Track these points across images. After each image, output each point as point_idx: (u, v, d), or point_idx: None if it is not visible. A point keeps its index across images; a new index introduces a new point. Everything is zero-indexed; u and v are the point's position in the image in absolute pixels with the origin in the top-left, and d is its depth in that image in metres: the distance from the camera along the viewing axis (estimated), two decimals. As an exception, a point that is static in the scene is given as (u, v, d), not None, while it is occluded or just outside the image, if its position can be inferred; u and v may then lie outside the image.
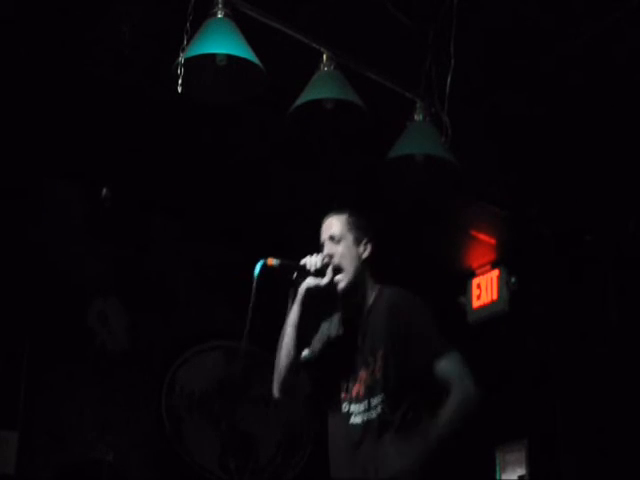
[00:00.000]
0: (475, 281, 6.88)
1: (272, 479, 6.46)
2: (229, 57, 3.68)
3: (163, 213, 6.09)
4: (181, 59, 3.64)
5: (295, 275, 2.96)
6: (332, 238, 3.04)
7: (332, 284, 2.97)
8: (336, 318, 3.12)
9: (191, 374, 6.31)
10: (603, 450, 5.70)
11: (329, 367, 3.02)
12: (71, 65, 4.57)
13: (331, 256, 3.00)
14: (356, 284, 3.01)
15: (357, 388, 2.94)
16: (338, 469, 2.93)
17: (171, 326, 6.18)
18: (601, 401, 5.78)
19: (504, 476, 6.44)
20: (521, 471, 6.33)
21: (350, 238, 3.05)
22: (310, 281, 2.96)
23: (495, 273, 6.73)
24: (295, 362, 2.98)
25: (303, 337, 3.01)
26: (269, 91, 3.81)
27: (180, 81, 3.63)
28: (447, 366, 2.88)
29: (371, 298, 3.03)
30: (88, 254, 5.86)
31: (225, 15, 3.73)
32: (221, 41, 3.66)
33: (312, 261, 2.96)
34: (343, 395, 2.96)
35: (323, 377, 3.04)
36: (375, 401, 2.87)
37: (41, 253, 5.57)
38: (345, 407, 2.94)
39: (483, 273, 6.83)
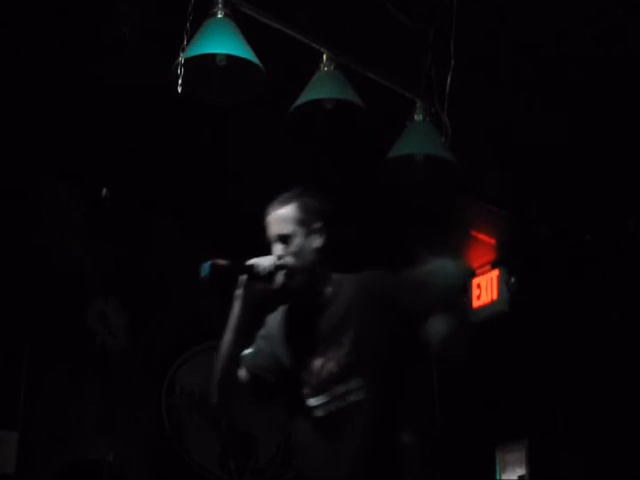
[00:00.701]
0: (475, 281, 6.88)
1: (272, 479, 6.46)
2: (229, 57, 3.68)
3: (163, 213, 6.09)
4: (181, 59, 3.64)
5: (245, 277, 2.70)
6: (281, 238, 2.77)
7: (284, 288, 2.73)
8: (280, 313, 2.87)
9: (191, 374, 6.31)
10: (603, 450, 5.70)
11: (284, 367, 2.78)
12: (71, 65, 4.57)
13: (281, 257, 2.73)
14: (311, 280, 2.76)
15: (322, 379, 2.70)
16: (316, 470, 2.71)
17: (171, 326, 6.18)
18: (601, 401, 5.78)
19: (504, 476, 6.44)
20: (521, 471, 6.33)
21: (301, 232, 2.77)
22: (259, 286, 2.70)
23: (495, 273, 6.73)
24: (233, 368, 2.75)
25: (247, 343, 2.79)
26: (269, 91, 3.81)
27: (180, 81, 3.63)
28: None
29: (329, 288, 2.79)
30: (88, 254, 5.85)
31: (225, 15, 3.73)
32: (221, 41, 3.66)
33: (262, 264, 2.70)
34: (306, 391, 2.73)
35: (278, 378, 2.80)
36: (349, 386, 2.67)
37: (41, 253, 5.57)
38: (312, 402, 2.71)
39: (483, 273, 6.83)
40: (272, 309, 2.88)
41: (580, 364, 6.00)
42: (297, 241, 2.76)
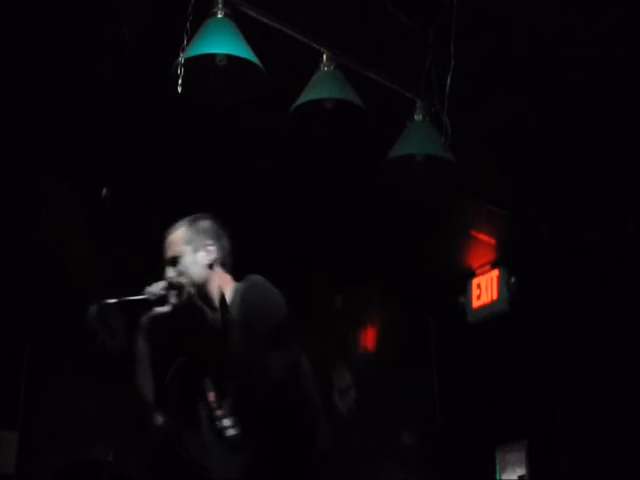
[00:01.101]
0: (475, 281, 6.88)
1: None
2: (229, 57, 3.68)
3: (163, 213, 6.07)
4: (181, 59, 3.64)
5: (143, 309, 2.86)
6: (171, 260, 2.93)
7: (179, 307, 2.86)
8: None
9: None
10: (603, 450, 5.70)
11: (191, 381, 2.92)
12: (71, 65, 4.57)
13: (171, 279, 2.88)
14: (203, 295, 2.89)
15: (223, 398, 2.82)
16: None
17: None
18: (601, 401, 5.78)
19: (504, 476, 6.45)
20: (521, 471, 6.34)
21: (189, 250, 2.92)
22: (153, 312, 2.87)
23: (495, 273, 6.74)
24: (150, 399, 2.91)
25: (161, 367, 2.93)
26: (269, 91, 3.81)
27: (180, 81, 3.63)
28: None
29: (227, 299, 2.87)
30: (88, 254, 5.85)
31: (225, 15, 3.73)
32: (221, 41, 3.66)
33: (152, 290, 2.87)
34: (209, 405, 2.85)
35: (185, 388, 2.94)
36: (233, 387, 2.77)
37: (41, 253, 5.57)
38: (216, 423, 2.84)
39: (483, 273, 6.83)
40: (178, 331, 2.98)
41: (580, 364, 6.00)
42: (185, 260, 2.91)
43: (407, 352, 7.23)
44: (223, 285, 2.90)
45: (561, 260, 6.24)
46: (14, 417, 5.24)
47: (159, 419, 2.92)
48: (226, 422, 2.81)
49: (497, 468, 6.49)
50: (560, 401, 6.11)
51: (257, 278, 2.86)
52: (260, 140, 5.22)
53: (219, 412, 2.83)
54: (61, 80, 4.70)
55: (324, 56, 4.10)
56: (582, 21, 4.25)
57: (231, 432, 2.79)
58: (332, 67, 4.08)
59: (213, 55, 3.69)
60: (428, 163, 4.31)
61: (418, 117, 4.35)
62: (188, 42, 3.69)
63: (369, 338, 7.20)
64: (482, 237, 6.51)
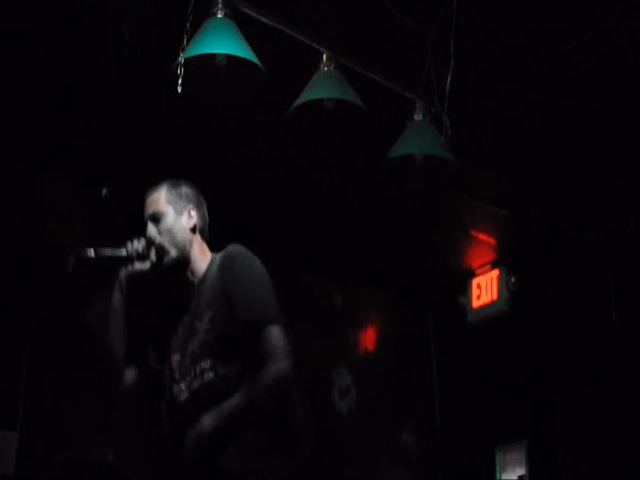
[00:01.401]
0: (475, 281, 6.89)
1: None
2: (229, 57, 3.68)
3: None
4: (181, 59, 3.64)
5: (121, 264, 2.84)
6: (152, 217, 2.89)
7: (156, 266, 2.83)
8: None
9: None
10: (603, 450, 5.70)
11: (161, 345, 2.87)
12: (71, 65, 4.57)
13: (152, 237, 2.85)
14: (183, 258, 2.85)
15: (184, 361, 2.77)
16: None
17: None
18: (601, 401, 5.78)
19: (504, 476, 6.45)
20: (521, 471, 6.34)
21: (171, 211, 2.89)
22: (132, 267, 2.84)
23: (495, 273, 6.74)
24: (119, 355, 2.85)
25: (134, 327, 2.87)
26: (269, 91, 3.81)
27: (180, 81, 3.63)
28: (269, 337, 2.61)
29: (203, 267, 2.86)
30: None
31: (225, 15, 3.73)
32: (221, 41, 3.66)
33: (133, 246, 2.85)
34: (174, 375, 2.79)
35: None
36: (203, 367, 2.70)
37: (40, 253, 5.56)
38: (176, 388, 2.77)
39: (483, 273, 6.83)
40: (151, 289, 2.93)
41: (580, 364, 6.00)
42: (168, 219, 2.88)
43: (407, 352, 7.24)
44: (201, 253, 2.89)
45: (561, 260, 6.24)
46: (14, 417, 5.23)
47: (128, 375, 2.88)
48: (180, 387, 2.76)
49: (497, 468, 6.49)
50: (560, 401, 6.12)
51: (237, 248, 2.83)
52: (260, 140, 5.22)
53: (177, 376, 2.78)
54: (61, 80, 4.70)
55: (324, 56, 4.09)
56: (582, 21, 4.26)
57: (184, 397, 2.74)
58: (332, 67, 4.07)
59: (213, 55, 3.68)
60: (428, 163, 4.31)
61: (418, 117, 4.34)
62: (188, 42, 3.69)
63: (369, 338, 7.20)
64: (482, 237, 6.51)
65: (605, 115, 4.88)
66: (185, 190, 2.97)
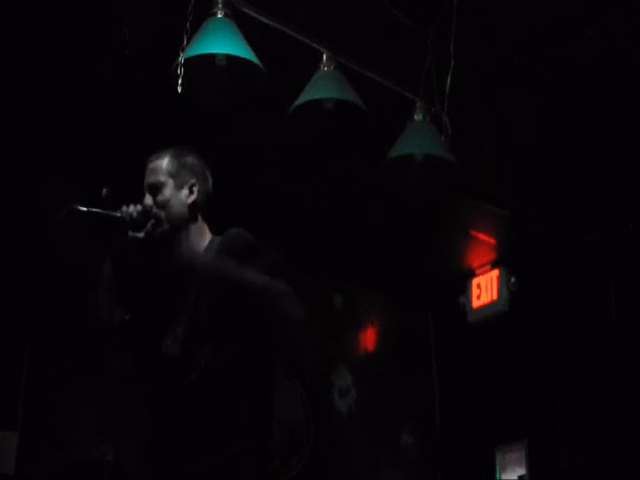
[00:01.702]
0: (475, 281, 6.88)
1: (272, 479, 6.44)
2: (229, 57, 3.68)
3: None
4: (181, 59, 3.64)
5: (112, 226, 2.76)
6: (150, 187, 2.78)
7: (150, 237, 2.72)
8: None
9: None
10: (603, 450, 5.70)
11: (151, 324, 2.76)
12: (71, 65, 4.57)
13: (149, 206, 2.74)
14: (178, 233, 2.74)
15: (177, 344, 2.65)
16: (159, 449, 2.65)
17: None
18: (601, 401, 5.78)
19: (504, 476, 6.45)
20: (521, 471, 6.34)
21: (171, 183, 2.76)
22: (126, 234, 2.72)
23: (495, 273, 6.74)
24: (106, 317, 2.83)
25: (122, 294, 2.80)
26: (269, 91, 3.81)
27: (180, 81, 3.63)
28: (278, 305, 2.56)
29: (201, 248, 2.75)
30: (88, 254, 5.84)
31: (225, 15, 3.73)
32: (221, 41, 3.66)
33: (128, 211, 2.73)
34: (168, 358, 2.68)
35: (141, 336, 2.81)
36: (199, 352, 2.60)
37: (40, 253, 5.56)
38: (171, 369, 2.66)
39: (483, 273, 6.83)
40: (140, 258, 2.85)
41: (580, 364, 6.00)
42: (166, 192, 2.77)
43: (407, 352, 7.24)
44: (199, 233, 2.79)
45: (561, 260, 6.24)
46: (14, 417, 5.24)
47: (115, 342, 2.86)
48: (176, 367, 2.66)
49: (497, 468, 6.49)
50: (560, 401, 6.12)
51: (239, 230, 2.74)
52: (260, 140, 5.22)
53: (171, 357, 2.69)
54: (61, 80, 4.70)
55: (324, 56, 4.09)
56: (582, 20, 4.26)
57: (181, 375, 2.65)
58: (332, 67, 4.08)
59: (213, 55, 3.69)
60: (428, 163, 4.31)
61: (418, 117, 4.34)
62: (188, 42, 3.69)
63: (369, 338, 7.20)
64: (482, 237, 6.51)
65: (605, 115, 4.88)
66: (190, 160, 2.83)
